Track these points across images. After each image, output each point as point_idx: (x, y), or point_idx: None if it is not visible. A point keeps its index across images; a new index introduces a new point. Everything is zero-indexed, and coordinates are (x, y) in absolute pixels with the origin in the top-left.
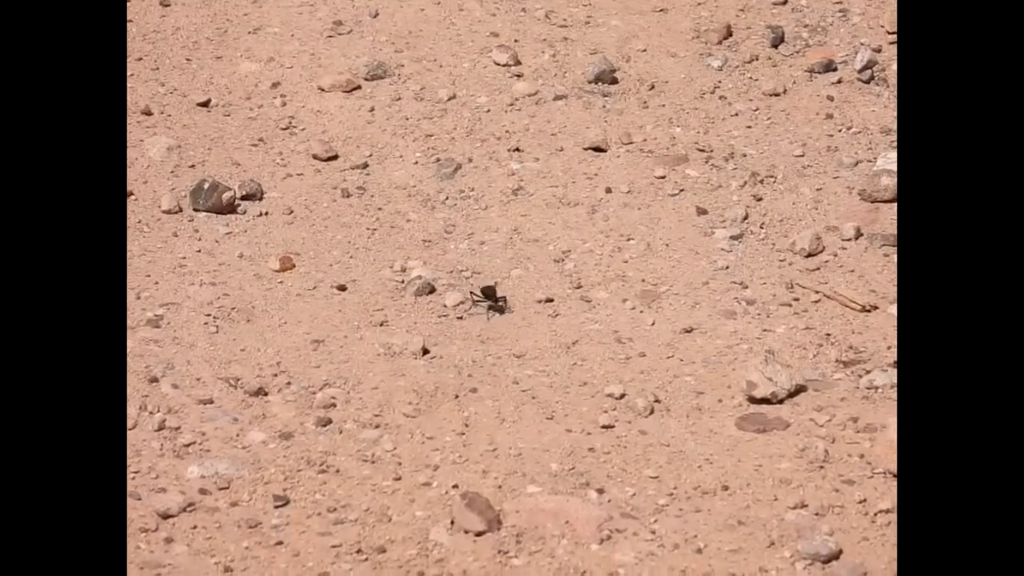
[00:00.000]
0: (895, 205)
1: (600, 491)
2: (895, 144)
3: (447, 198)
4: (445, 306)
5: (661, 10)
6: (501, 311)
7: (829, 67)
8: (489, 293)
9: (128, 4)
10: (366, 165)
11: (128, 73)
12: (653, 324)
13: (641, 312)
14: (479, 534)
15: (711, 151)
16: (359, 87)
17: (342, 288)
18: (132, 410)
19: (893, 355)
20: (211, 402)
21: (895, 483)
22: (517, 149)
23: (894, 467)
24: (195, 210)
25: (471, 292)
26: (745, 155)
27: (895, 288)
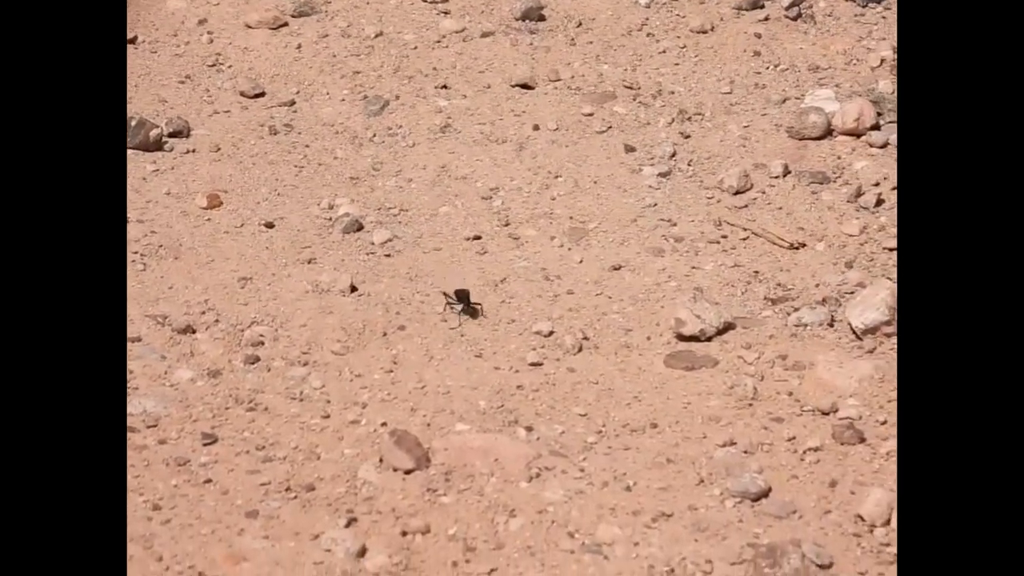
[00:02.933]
0: (823, 142)
1: (529, 429)
2: (822, 81)
3: (374, 135)
4: (373, 243)
5: None
6: (474, 315)
7: (756, 4)
8: (462, 296)
9: None
10: (293, 102)
11: None
12: (581, 262)
13: (569, 249)
14: (408, 472)
15: (639, 88)
16: (286, 24)
17: (270, 225)
18: None
19: (821, 292)
20: (139, 340)
21: (824, 421)
22: (444, 86)
23: (823, 405)
24: None
25: (444, 293)
26: (673, 92)
27: (823, 225)
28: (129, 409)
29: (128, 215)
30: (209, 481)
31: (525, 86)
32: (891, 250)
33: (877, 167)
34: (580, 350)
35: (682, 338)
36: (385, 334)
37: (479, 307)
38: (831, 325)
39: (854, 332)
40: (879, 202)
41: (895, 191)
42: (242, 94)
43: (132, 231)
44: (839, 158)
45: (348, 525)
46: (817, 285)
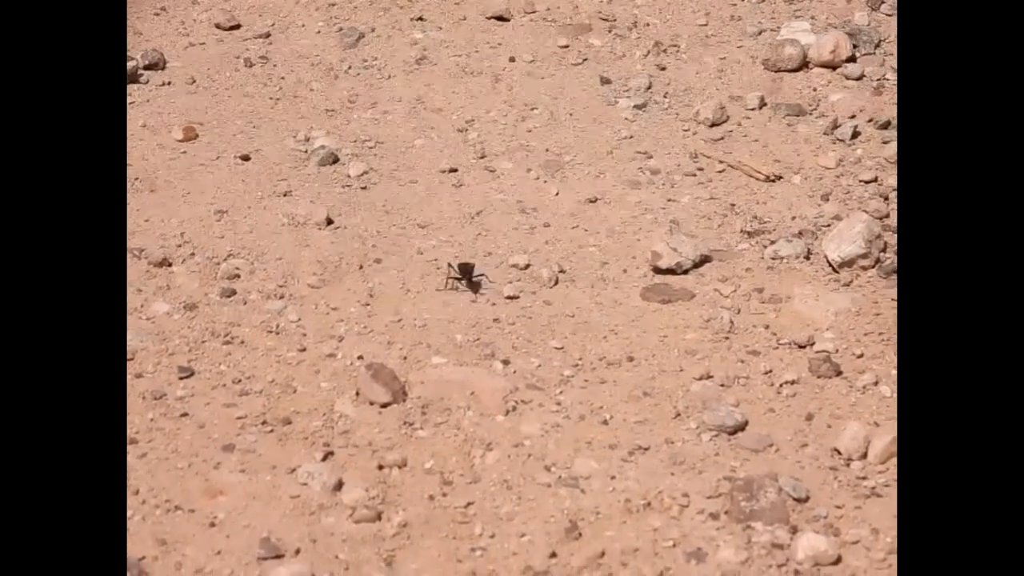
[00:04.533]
0: (798, 74)
1: (505, 362)
2: (798, 13)
3: (350, 67)
4: (349, 176)
5: None
6: (477, 288)
7: None
8: (466, 270)
9: None
10: (269, 35)
11: None
12: (557, 194)
13: (545, 182)
14: (384, 405)
15: (614, 20)
16: None
17: (245, 158)
18: None
19: (797, 225)
20: None
21: (800, 354)
22: (420, 18)
23: (799, 338)
24: None
25: (448, 264)
26: (648, 24)
27: (799, 158)
28: None
29: None
30: (185, 415)
31: (501, 18)
32: (867, 182)
33: (853, 99)
34: (556, 283)
35: (658, 271)
36: (361, 267)
37: (483, 278)
38: (807, 258)
39: (831, 265)
40: (855, 134)
41: (871, 123)
42: (217, 26)
43: None
44: (815, 90)
45: (325, 459)
46: (793, 218)
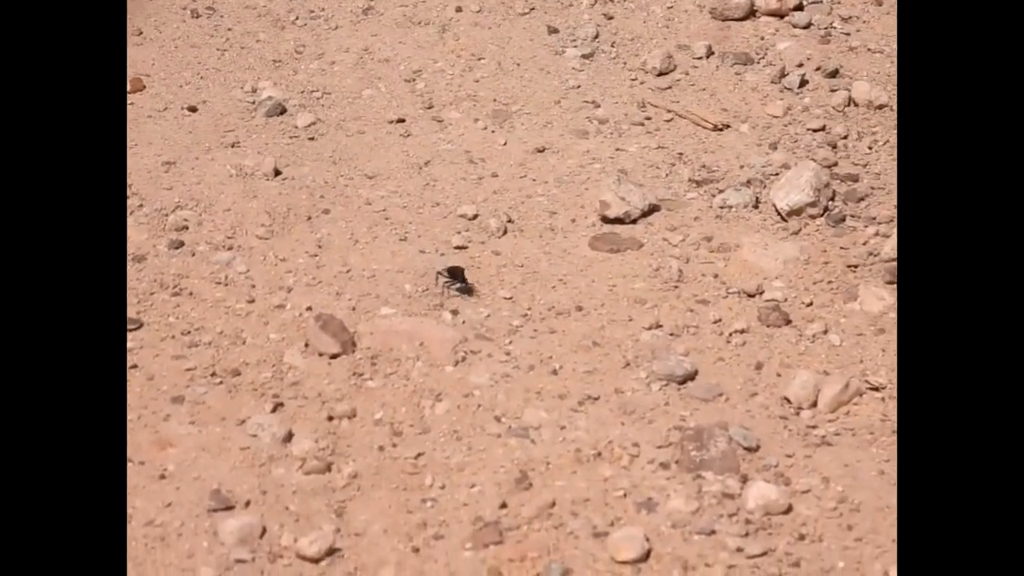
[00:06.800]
0: (746, 23)
1: (454, 312)
2: None
3: (297, 18)
4: (296, 127)
5: None
6: (469, 292)
7: None
8: (456, 273)
9: None
10: None
11: None
12: (505, 144)
13: (493, 132)
14: (334, 356)
15: None
16: None
17: (193, 109)
18: None
19: (746, 174)
20: None
21: (749, 303)
22: None
23: (748, 287)
24: None
25: (437, 272)
26: None
27: (747, 106)
28: None
29: None
30: (135, 367)
31: None
32: (815, 131)
33: (800, 48)
34: (505, 233)
35: (607, 220)
36: (309, 218)
37: (473, 285)
38: (756, 207)
39: (779, 214)
40: (803, 83)
41: (818, 72)
42: None
43: None
44: (762, 39)
45: (274, 410)
46: (742, 167)
